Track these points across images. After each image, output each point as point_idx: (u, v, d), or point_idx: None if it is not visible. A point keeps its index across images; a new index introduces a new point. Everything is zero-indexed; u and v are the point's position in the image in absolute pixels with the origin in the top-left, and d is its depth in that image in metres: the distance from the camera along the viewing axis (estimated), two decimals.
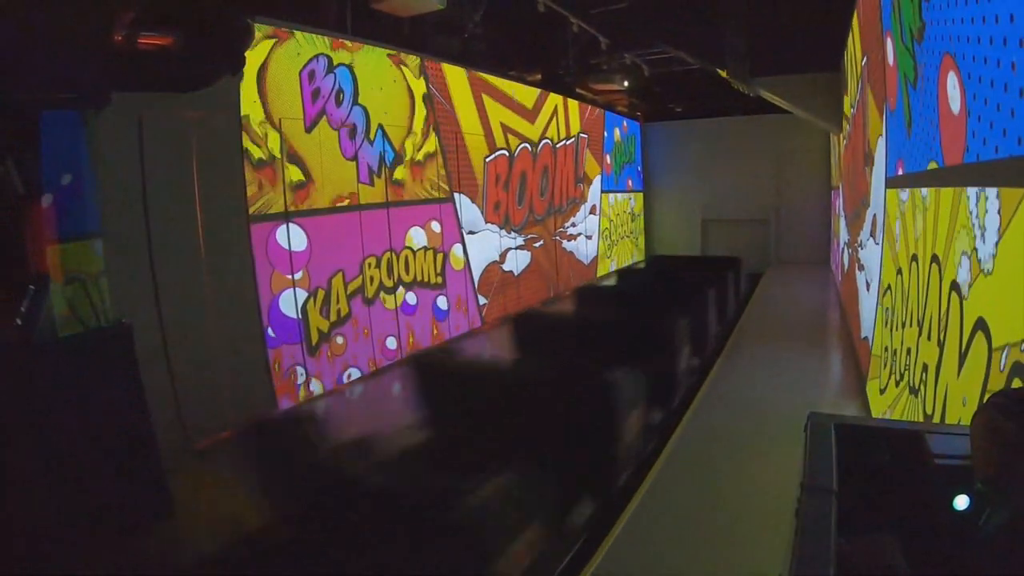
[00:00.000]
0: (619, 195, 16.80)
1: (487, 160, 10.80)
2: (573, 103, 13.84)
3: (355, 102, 7.93)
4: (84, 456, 4.09)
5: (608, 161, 15.96)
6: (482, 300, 10.68)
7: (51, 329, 4.12)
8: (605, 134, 15.82)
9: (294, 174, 7.00)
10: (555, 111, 13.20)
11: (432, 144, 9.34)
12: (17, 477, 3.80)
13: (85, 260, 4.38)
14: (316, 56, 7.29)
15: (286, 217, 6.87)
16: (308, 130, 7.21)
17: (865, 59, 6.81)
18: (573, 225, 14.09)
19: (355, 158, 7.91)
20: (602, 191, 15.67)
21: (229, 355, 6.08)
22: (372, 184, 8.19)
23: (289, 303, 6.88)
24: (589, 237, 14.99)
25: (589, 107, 14.73)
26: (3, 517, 3.73)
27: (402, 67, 8.73)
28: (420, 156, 9.10)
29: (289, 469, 4.42)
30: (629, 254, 17.52)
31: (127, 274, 4.95)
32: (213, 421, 5.86)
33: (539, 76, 12.59)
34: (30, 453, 3.87)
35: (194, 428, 5.65)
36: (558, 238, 13.44)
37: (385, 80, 8.44)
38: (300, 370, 6.99)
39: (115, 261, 4.59)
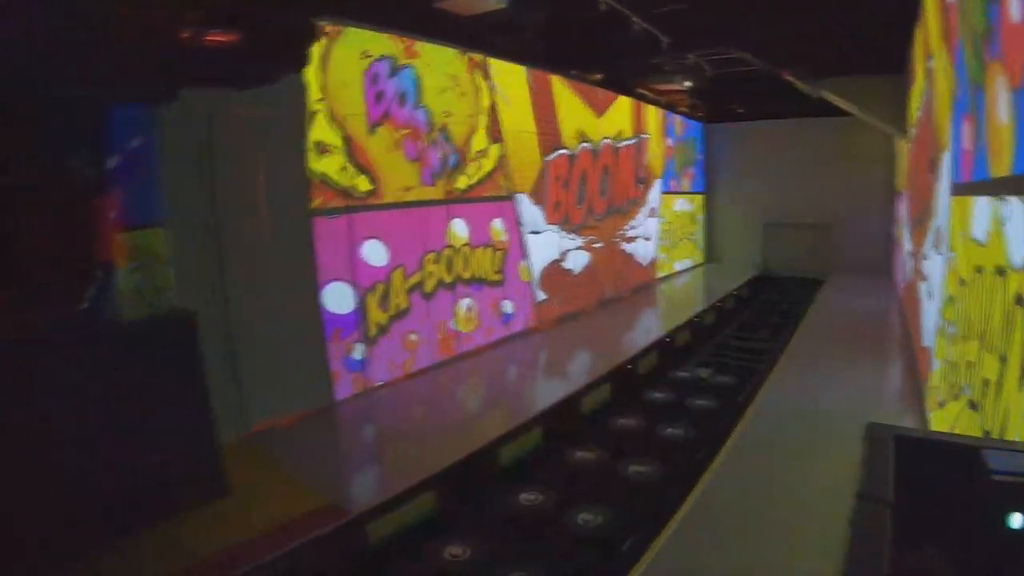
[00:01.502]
0: (680, 197, 16.61)
1: (547, 160, 10.86)
2: (633, 102, 13.78)
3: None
4: (143, 437, 4.29)
5: (669, 162, 15.83)
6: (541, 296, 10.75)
7: (116, 313, 4.30)
8: (666, 135, 15.68)
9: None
10: (620, 111, 13.21)
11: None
12: (78, 456, 4.00)
13: (151, 248, 4.56)
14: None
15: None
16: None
17: (931, 61, 6.66)
18: (632, 227, 14.03)
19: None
20: (663, 192, 15.51)
21: (289, 344, 6.30)
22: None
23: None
24: (648, 239, 14.88)
25: (651, 107, 14.61)
26: (64, 495, 3.93)
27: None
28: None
29: None
30: (689, 257, 17.36)
31: (192, 262, 5.12)
32: (272, 407, 6.07)
33: (600, 76, 12.55)
34: (91, 433, 4.07)
35: (253, 412, 5.85)
36: (617, 239, 13.39)
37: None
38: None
39: (181, 250, 4.76)
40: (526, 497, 5.23)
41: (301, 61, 6.24)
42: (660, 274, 15.48)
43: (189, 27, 5.06)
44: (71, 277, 4.15)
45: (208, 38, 5.14)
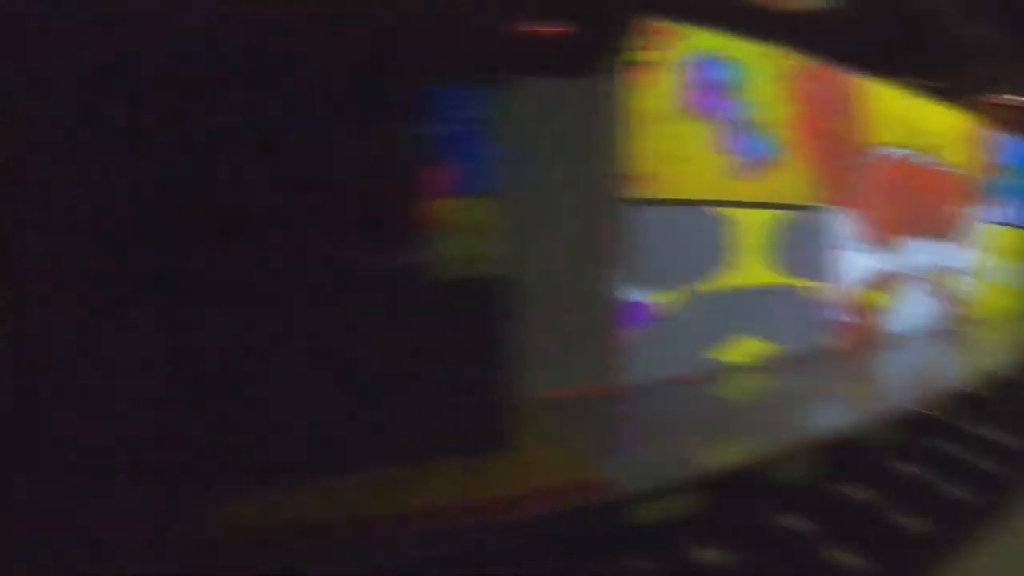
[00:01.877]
0: (1009, 228, 14.41)
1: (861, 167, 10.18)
2: (960, 115, 12.36)
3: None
4: (441, 383, 4.79)
5: (997, 187, 13.87)
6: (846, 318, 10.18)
7: (435, 271, 4.83)
8: (998, 155, 13.74)
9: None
10: (942, 121, 11.96)
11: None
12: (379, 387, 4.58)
13: (474, 216, 5.01)
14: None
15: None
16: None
17: None
18: (948, 256, 12.64)
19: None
20: (987, 222, 13.67)
21: (582, 321, 6.63)
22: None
23: None
24: (965, 271, 13.25)
25: (981, 122, 12.98)
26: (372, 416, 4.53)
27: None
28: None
29: None
30: (1011, 296, 14.77)
31: (510, 232, 5.50)
32: (557, 377, 6.41)
33: (929, 83, 11.38)
34: (394, 370, 4.63)
35: (539, 379, 6.19)
36: (930, 267, 12.19)
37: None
38: None
39: (501, 219, 5.15)
40: (784, 520, 5.06)
41: (624, 54, 6.47)
42: (976, 311, 13.53)
43: (521, 17, 5.45)
44: (398, 233, 4.73)
45: (531, 28, 5.50)
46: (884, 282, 10.92)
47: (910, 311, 11.58)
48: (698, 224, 7.80)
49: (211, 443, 4.02)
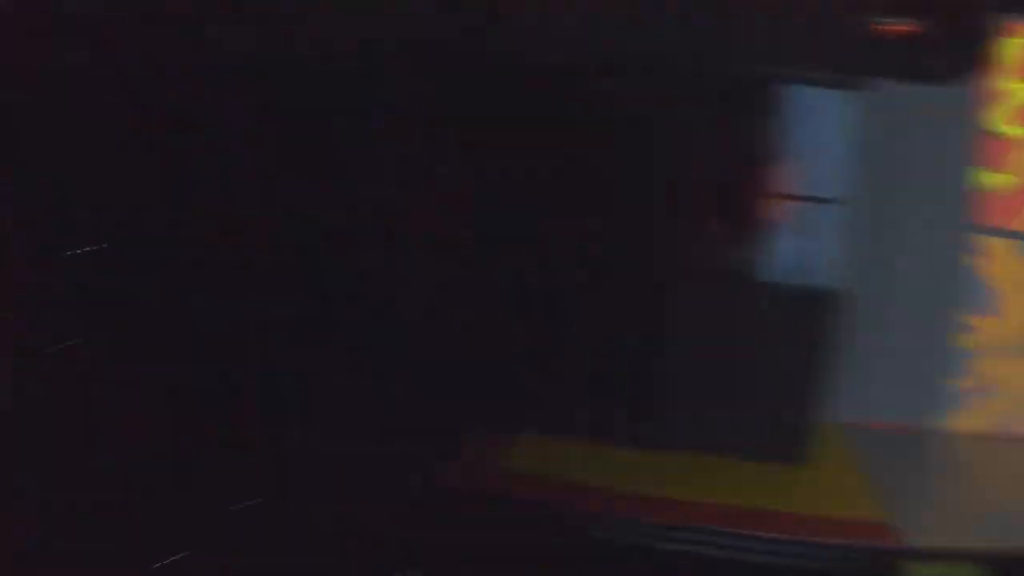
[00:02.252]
0: None
1: None
2: None
3: None
4: (748, 385, 4.73)
5: None
6: None
7: (768, 275, 4.75)
8: None
9: None
10: None
11: None
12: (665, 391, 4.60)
13: (813, 220, 4.86)
14: None
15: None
16: None
17: None
18: None
19: None
20: None
21: (909, 352, 6.18)
22: None
23: None
24: None
25: None
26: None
27: None
28: None
29: None
30: None
31: (848, 242, 5.28)
32: (871, 407, 6.03)
33: None
34: (695, 366, 4.63)
35: (856, 406, 5.88)
36: None
37: None
38: None
39: (840, 227, 4.97)
40: None
41: (984, 59, 5.89)
42: None
43: (871, 15, 5.09)
44: (739, 231, 4.69)
45: (894, 29, 5.15)
46: None
47: None
48: None
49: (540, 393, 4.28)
